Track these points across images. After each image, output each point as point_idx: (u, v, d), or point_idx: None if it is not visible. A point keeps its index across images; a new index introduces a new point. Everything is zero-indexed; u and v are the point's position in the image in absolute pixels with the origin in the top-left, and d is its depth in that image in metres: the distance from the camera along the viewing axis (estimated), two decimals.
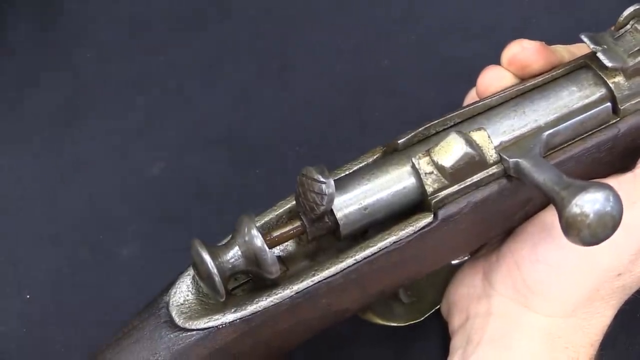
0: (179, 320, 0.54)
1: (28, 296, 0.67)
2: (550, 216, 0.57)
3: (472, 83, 0.66)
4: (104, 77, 0.76)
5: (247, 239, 0.52)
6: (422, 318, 0.64)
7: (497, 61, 0.67)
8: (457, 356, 0.60)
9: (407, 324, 0.64)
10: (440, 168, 0.54)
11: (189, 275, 0.55)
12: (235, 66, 0.76)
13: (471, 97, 0.63)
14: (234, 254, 0.53)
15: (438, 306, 0.64)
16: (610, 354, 0.60)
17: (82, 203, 0.70)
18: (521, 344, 0.58)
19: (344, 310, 0.56)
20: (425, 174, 0.54)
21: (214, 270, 0.52)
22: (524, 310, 0.58)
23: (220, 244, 0.54)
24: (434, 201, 0.54)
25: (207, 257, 0.52)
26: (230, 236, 0.54)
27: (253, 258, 0.52)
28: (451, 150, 0.54)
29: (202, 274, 0.52)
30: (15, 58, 0.77)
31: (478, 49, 0.75)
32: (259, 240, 0.52)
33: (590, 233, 0.50)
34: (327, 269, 0.54)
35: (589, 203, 0.50)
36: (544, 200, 0.58)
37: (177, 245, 0.67)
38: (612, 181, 0.57)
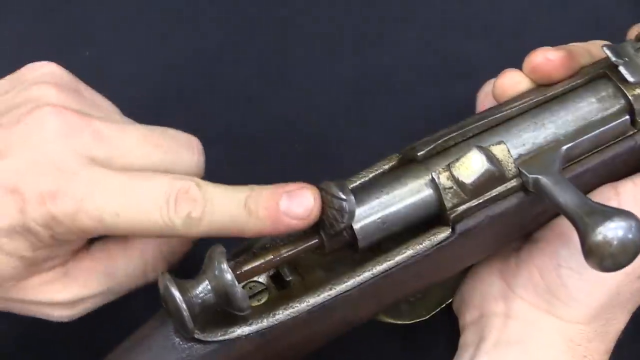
0: (189, 326, 0.53)
1: None
2: (570, 224, 0.57)
3: (473, 81, 0.66)
4: (102, 75, 0.74)
5: (216, 273, 0.51)
6: (428, 316, 0.64)
7: (497, 59, 0.67)
8: (469, 353, 0.60)
9: (413, 321, 0.64)
10: (460, 184, 0.54)
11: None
12: (234, 64, 0.75)
13: (484, 95, 0.63)
14: (203, 289, 0.51)
15: (444, 304, 0.64)
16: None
17: None
18: (540, 351, 0.58)
19: (359, 319, 0.57)
20: (445, 188, 0.54)
21: (183, 305, 0.51)
22: (545, 316, 0.58)
23: (190, 280, 0.52)
24: (452, 216, 0.54)
25: (175, 293, 0.51)
26: (201, 270, 0.52)
27: (223, 293, 0.51)
28: (472, 166, 0.54)
29: (171, 309, 0.51)
30: (13, 55, 0.75)
31: (479, 46, 0.74)
32: (229, 275, 0.51)
33: (613, 261, 0.50)
34: (344, 283, 0.53)
35: (612, 231, 0.50)
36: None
37: None
38: (627, 182, 0.58)
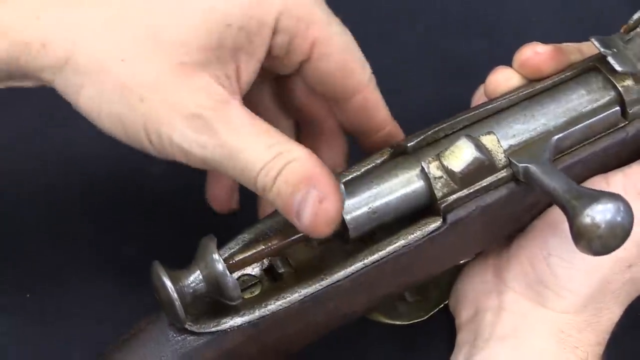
0: (181, 316, 0.53)
1: (28, 295, 0.66)
2: (559, 213, 0.58)
3: (473, 81, 0.66)
4: None
5: (208, 262, 0.52)
6: (427, 317, 0.64)
7: (498, 59, 0.67)
8: (465, 350, 0.60)
9: (411, 322, 0.64)
10: (450, 173, 0.54)
11: None
12: None
13: (479, 95, 0.63)
14: (195, 278, 0.52)
15: (442, 305, 0.64)
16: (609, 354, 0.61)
17: (82, 201, 0.69)
18: (532, 343, 0.58)
19: (352, 312, 0.57)
20: (435, 178, 0.54)
21: (174, 294, 0.51)
22: (537, 307, 0.58)
23: (182, 269, 0.53)
24: (443, 205, 0.54)
25: (167, 282, 0.51)
26: (193, 260, 0.53)
27: (214, 282, 0.52)
28: (461, 155, 0.54)
29: (163, 299, 0.52)
30: None
31: (479, 46, 0.74)
32: (220, 265, 0.51)
33: (602, 243, 0.50)
34: (336, 274, 0.53)
35: (600, 214, 0.50)
36: (551, 202, 0.58)
37: (177, 244, 0.66)
38: (617, 173, 0.58)
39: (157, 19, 0.51)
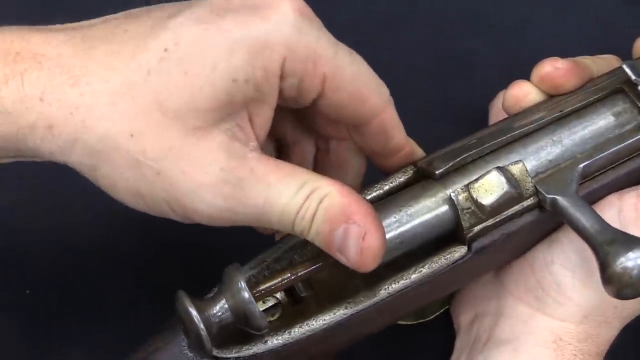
0: (207, 347, 0.53)
1: (28, 291, 0.65)
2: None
3: (473, 80, 0.65)
4: None
5: (234, 292, 0.51)
6: (432, 317, 0.65)
7: (498, 57, 0.66)
8: (464, 354, 0.60)
9: (415, 322, 0.65)
10: (479, 205, 0.53)
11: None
12: None
13: (496, 108, 0.62)
14: (220, 308, 0.51)
15: (447, 307, 0.65)
16: None
17: (83, 199, 0.67)
18: (530, 349, 0.58)
19: (371, 332, 0.57)
20: (463, 209, 0.54)
21: (201, 325, 0.50)
22: (536, 314, 0.59)
23: (206, 297, 0.52)
24: (469, 235, 0.54)
25: (193, 312, 0.50)
26: (217, 289, 0.52)
27: (241, 312, 0.51)
28: (492, 189, 0.53)
29: (189, 329, 0.51)
30: None
31: (479, 45, 0.73)
32: (247, 294, 0.51)
33: (632, 290, 0.51)
34: (360, 303, 0.53)
35: (632, 261, 0.50)
36: None
37: (180, 242, 0.67)
38: (630, 192, 0.58)
39: (161, 88, 0.49)
